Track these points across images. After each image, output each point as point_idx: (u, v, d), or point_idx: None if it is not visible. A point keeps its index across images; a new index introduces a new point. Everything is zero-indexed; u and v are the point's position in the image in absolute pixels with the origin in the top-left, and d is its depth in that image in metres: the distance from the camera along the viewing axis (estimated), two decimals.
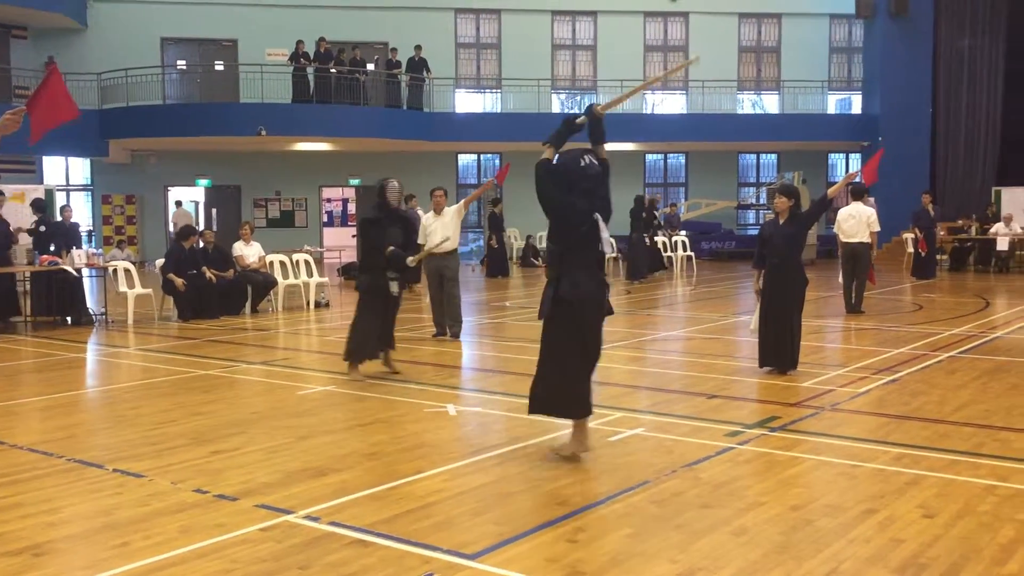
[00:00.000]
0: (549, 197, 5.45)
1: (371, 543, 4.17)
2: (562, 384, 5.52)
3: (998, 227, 21.25)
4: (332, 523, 4.43)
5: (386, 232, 8.23)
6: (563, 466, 5.47)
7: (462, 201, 11.36)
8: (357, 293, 8.55)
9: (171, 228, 25.07)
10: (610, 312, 5.64)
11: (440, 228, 10.76)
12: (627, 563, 3.92)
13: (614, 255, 22.84)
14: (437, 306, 10.99)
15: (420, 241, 11.09)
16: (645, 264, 19.90)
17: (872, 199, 13.92)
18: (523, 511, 4.62)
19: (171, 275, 13.01)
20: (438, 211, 10.96)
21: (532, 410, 5.73)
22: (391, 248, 8.16)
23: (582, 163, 5.49)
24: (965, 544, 4.10)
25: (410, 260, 8.37)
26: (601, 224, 5.40)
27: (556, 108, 28.31)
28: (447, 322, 10.92)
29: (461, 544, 4.14)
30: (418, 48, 25.38)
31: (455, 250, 10.96)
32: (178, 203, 25.87)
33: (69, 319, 12.84)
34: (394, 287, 8.31)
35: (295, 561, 3.96)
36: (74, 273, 12.65)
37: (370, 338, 8.27)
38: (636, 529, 4.34)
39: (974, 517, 4.45)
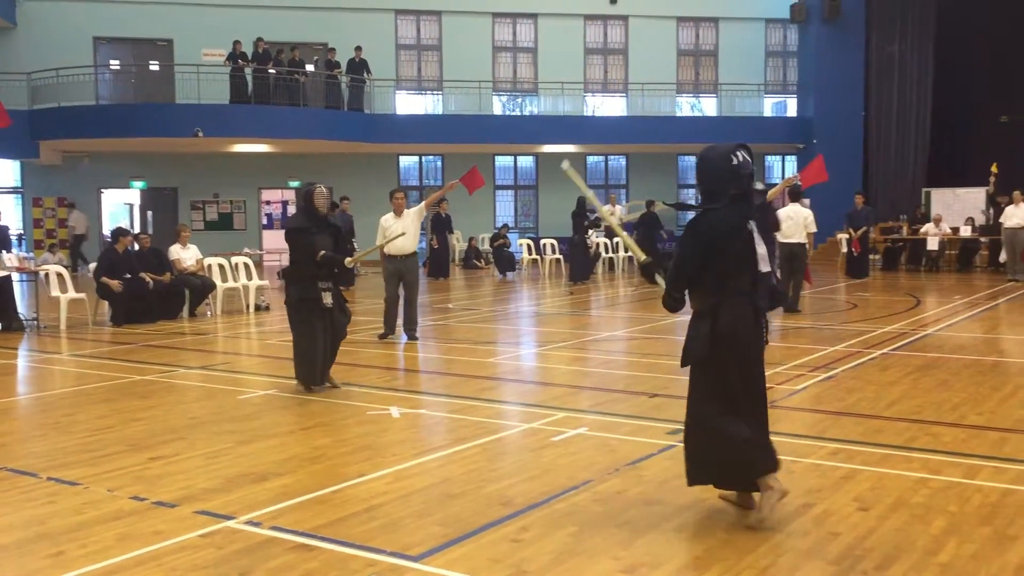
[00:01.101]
0: None
1: (314, 547, 4.13)
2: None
3: (928, 227, 21.84)
4: (274, 528, 4.38)
5: (315, 240, 7.74)
6: (506, 466, 5.48)
7: (422, 203, 11.29)
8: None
9: (69, 232, 24.49)
10: None
11: (400, 230, 10.71)
12: (570, 561, 3.95)
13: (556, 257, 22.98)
14: (391, 307, 10.92)
15: (378, 243, 11.03)
16: (588, 266, 20.03)
17: (807, 200, 14.21)
18: (467, 512, 4.62)
19: (105, 278, 12.73)
20: (398, 213, 10.90)
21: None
22: (323, 252, 7.74)
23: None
24: (899, 535, 4.21)
25: (347, 261, 8.13)
26: None
27: (497, 110, 28.38)
28: (406, 324, 10.89)
29: (406, 546, 4.13)
30: (358, 49, 25.21)
31: (415, 252, 10.91)
32: (71, 205, 25.17)
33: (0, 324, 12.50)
34: (327, 298, 7.79)
35: (236, 567, 3.91)
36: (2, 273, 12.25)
37: (316, 358, 7.77)
38: (579, 527, 4.36)
39: (907, 509, 4.57)
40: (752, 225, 4.49)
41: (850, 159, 26.31)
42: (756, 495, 4.43)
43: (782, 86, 29.77)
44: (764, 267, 4.50)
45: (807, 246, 13.23)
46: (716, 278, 4.41)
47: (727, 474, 4.49)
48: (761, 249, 4.48)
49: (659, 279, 4.66)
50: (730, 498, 4.58)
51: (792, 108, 29.49)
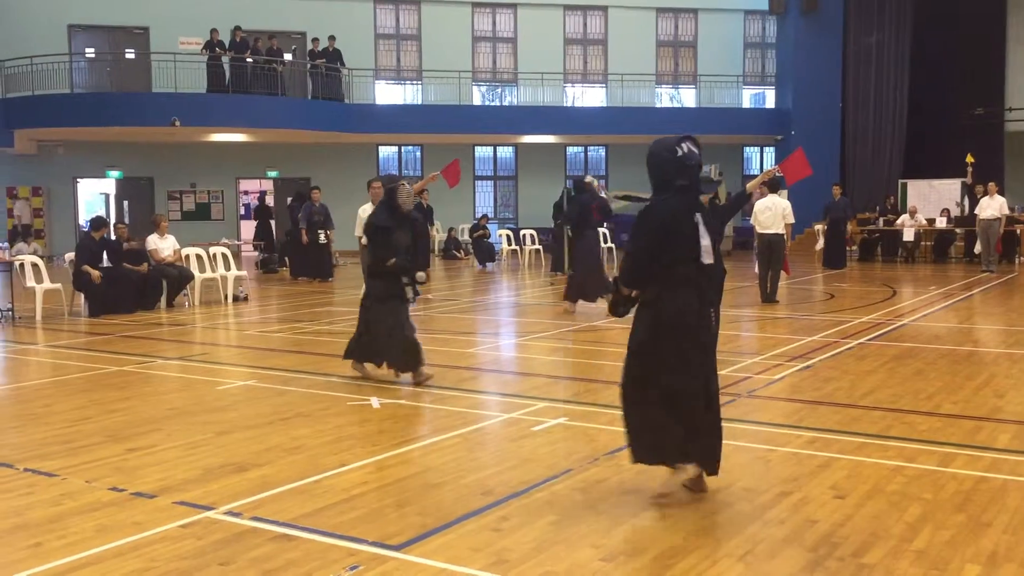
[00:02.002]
0: None
1: (295, 537, 4.13)
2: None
3: (904, 219, 22.03)
4: (254, 518, 4.38)
5: (394, 237, 7.66)
6: (487, 456, 5.50)
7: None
8: (365, 296, 7.95)
9: (17, 222, 24.20)
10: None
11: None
12: (551, 550, 3.97)
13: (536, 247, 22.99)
14: None
15: (357, 234, 10.99)
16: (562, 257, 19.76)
17: (785, 191, 14.32)
18: (447, 501, 4.63)
19: (86, 267, 12.62)
20: (375, 202, 10.77)
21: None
22: (393, 260, 7.58)
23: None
24: (875, 523, 4.26)
25: (420, 275, 7.87)
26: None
27: (477, 100, 28.34)
28: None
29: (386, 536, 4.13)
30: (332, 39, 25.06)
31: None
32: (13, 195, 24.92)
33: None
34: (410, 292, 7.71)
35: (216, 557, 3.90)
36: None
37: (406, 345, 7.62)
38: (560, 516, 4.39)
39: (883, 497, 4.62)
40: (699, 216, 4.56)
41: (828, 150, 26.46)
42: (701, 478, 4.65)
43: (760, 77, 29.90)
44: (707, 259, 4.55)
45: (785, 237, 13.32)
46: (662, 268, 4.50)
47: (662, 452, 4.59)
48: (705, 241, 4.55)
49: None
50: (689, 485, 4.66)
51: (770, 100, 29.63)
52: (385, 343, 7.66)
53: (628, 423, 4.66)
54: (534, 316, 12.73)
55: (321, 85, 24.87)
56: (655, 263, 4.51)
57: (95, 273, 12.59)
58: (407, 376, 7.65)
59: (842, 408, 6.62)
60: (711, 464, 4.58)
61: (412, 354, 7.60)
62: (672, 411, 4.47)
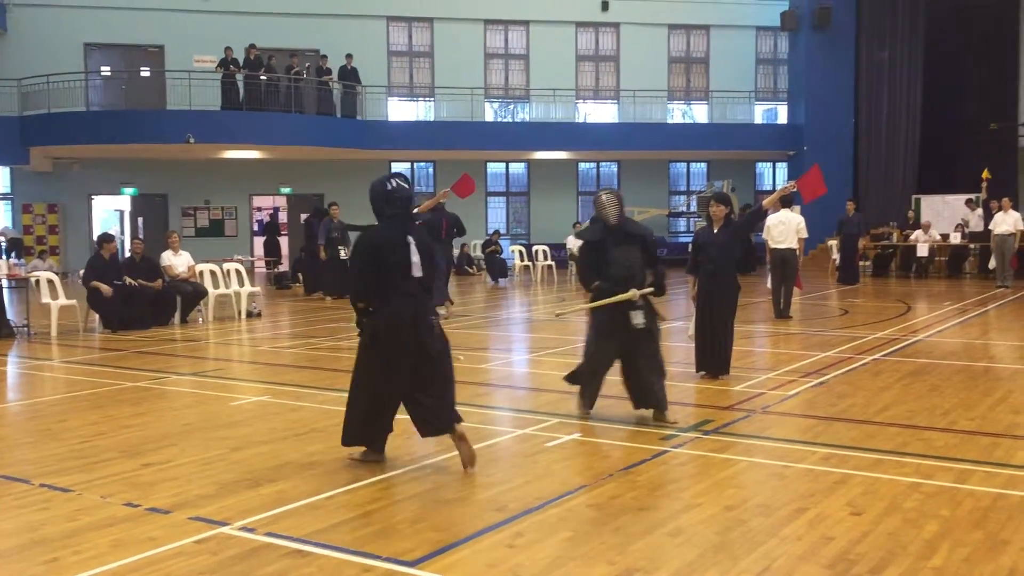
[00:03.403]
0: None
1: (309, 553, 4.13)
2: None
3: (918, 234, 21.95)
4: (269, 534, 4.38)
5: (611, 253, 6.66)
6: (500, 472, 5.49)
7: (415, 210, 11.09)
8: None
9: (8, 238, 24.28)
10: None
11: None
12: (566, 566, 3.95)
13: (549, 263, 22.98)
14: None
15: None
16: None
17: (798, 207, 14.29)
18: (461, 518, 4.62)
19: (96, 283, 12.69)
20: None
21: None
22: (597, 283, 6.69)
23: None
24: (892, 540, 4.23)
25: (633, 293, 6.53)
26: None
27: (489, 116, 28.44)
28: None
29: (400, 552, 4.13)
30: (349, 57, 25.23)
31: None
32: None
33: None
34: (637, 318, 6.50)
35: (231, 573, 3.90)
36: None
37: (599, 377, 6.87)
38: (574, 532, 4.37)
39: (900, 514, 4.59)
40: (410, 239, 5.46)
41: (840, 166, 26.43)
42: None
43: (772, 93, 29.92)
44: (416, 272, 5.44)
45: (798, 252, 13.29)
46: (379, 284, 5.39)
47: (364, 434, 5.60)
48: (415, 258, 5.44)
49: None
50: (358, 456, 5.65)
51: (782, 115, 29.63)
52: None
53: (347, 410, 5.62)
54: (547, 332, 12.72)
55: (335, 102, 25.00)
56: (372, 280, 5.42)
57: (105, 288, 12.64)
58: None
59: (858, 424, 6.58)
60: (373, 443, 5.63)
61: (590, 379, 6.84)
62: (373, 406, 5.48)
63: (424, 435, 5.60)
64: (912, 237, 22.05)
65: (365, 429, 5.57)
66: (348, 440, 5.61)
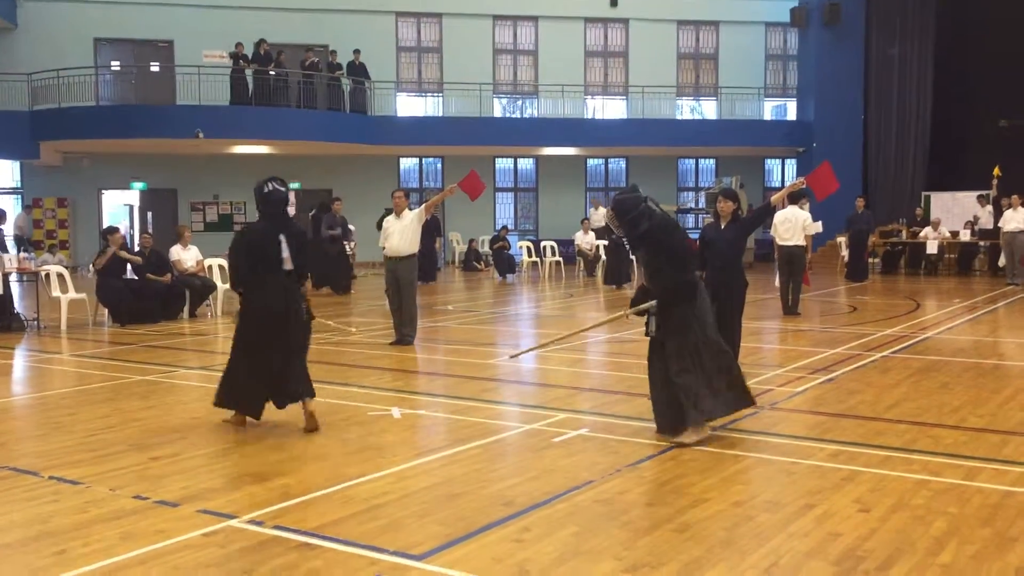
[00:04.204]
0: None
1: (317, 546, 4.14)
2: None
3: (927, 231, 21.87)
4: (276, 527, 4.39)
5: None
6: (508, 467, 5.50)
7: (423, 205, 11.11)
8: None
9: (21, 233, 24.20)
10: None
11: (399, 230, 10.59)
12: (572, 561, 3.95)
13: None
14: (395, 312, 10.74)
15: (380, 244, 10.96)
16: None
17: (807, 203, 14.23)
18: (469, 512, 4.63)
19: (122, 253, 13.02)
20: (398, 213, 10.76)
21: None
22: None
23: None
24: (900, 537, 4.22)
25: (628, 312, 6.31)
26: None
27: (498, 112, 28.40)
28: (402, 327, 10.70)
29: (408, 545, 4.13)
30: (356, 52, 25.22)
31: (412, 255, 10.67)
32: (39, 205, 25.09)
33: None
34: (650, 326, 6.07)
35: (239, 566, 3.92)
36: None
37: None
38: (581, 528, 4.37)
39: (908, 511, 4.58)
40: (282, 236, 6.37)
41: (850, 162, 26.31)
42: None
43: (782, 89, 29.81)
44: (287, 266, 6.37)
45: (806, 248, 13.25)
46: (254, 275, 6.39)
47: (232, 400, 6.51)
48: (285, 254, 6.35)
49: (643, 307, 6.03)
50: (230, 419, 6.55)
51: (792, 111, 29.53)
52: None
53: (222, 377, 6.61)
54: (554, 327, 12.72)
55: (343, 98, 25.01)
56: (246, 271, 6.43)
57: (134, 259, 13.08)
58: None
59: (866, 421, 6.57)
60: (255, 413, 6.49)
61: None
62: (243, 378, 6.40)
63: (279, 406, 6.51)
64: (922, 234, 21.97)
65: (233, 395, 6.50)
66: (219, 402, 6.56)
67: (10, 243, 19.63)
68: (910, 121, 27.45)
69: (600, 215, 24.52)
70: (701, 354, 5.92)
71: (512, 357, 9.35)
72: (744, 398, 6.16)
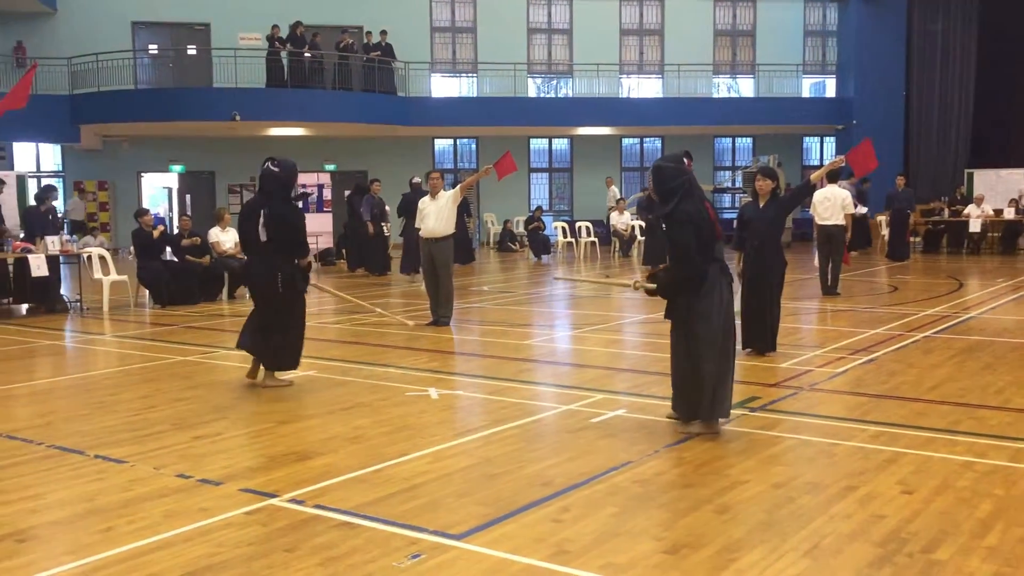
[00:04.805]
0: None
1: (357, 525, 4.17)
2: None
3: (970, 209, 21.49)
4: (317, 506, 4.43)
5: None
6: (546, 448, 5.50)
7: (459, 185, 11.10)
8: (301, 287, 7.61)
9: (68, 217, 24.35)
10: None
11: (435, 211, 10.59)
12: (612, 541, 3.95)
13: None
14: (432, 293, 10.75)
15: (417, 225, 10.99)
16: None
17: (844, 182, 14.00)
18: (508, 492, 4.63)
19: (158, 227, 13.33)
20: (434, 194, 10.77)
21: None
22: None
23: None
24: (945, 519, 4.16)
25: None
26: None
27: (532, 92, 28.28)
28: (438, 308, 10.72)
29: (447, 525, 4.15)
30: (383, 33, 25.18)
31: (449, 236, 10.67)
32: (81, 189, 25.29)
33: (24, 307, 12.68)
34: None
35: (281, 544, 3.96)
36: (34, 270, 12.20)
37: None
38: (620, 508, 4.37)
39: (953, 492, 4.52)
40: (262, 212, 7.18)
41: (891, 140, 25.89)
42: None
43: (821, 66, 29.36)
44: (262, 237, 7.20)
45: (845, 228, 13.07)
46: (245, 242, 7.49)
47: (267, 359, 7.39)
48: (259, 228, 7.19)
49: (649, 285, 6.06)
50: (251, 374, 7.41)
51: (831, 88, 29.09)
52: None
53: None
54: (590, 308, 12.69)
55: (376, 79, 25.03)
56: (242, 239, 7.60)
57: (190, 241, 13.42)
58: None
59: (908, 402, 6.48)
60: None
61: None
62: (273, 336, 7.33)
63: (269, 368, 7.34)
64: (964, 212, 21.58)
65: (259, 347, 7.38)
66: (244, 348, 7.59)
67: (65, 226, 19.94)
68: (953, 97, 26.93)
69: (613, 193, 24.42)
70: (725, 345, 5.71)
71: (556, 279, 9.30)
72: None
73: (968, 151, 26.82)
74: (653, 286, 5.98)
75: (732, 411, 5.95)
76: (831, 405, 6.55)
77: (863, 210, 20.84)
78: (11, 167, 24.02)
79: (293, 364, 7.51)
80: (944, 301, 12.29)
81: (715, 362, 5.62)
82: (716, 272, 5.64)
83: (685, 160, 5.80)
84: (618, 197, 24.03)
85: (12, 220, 14.08)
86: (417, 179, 17.96)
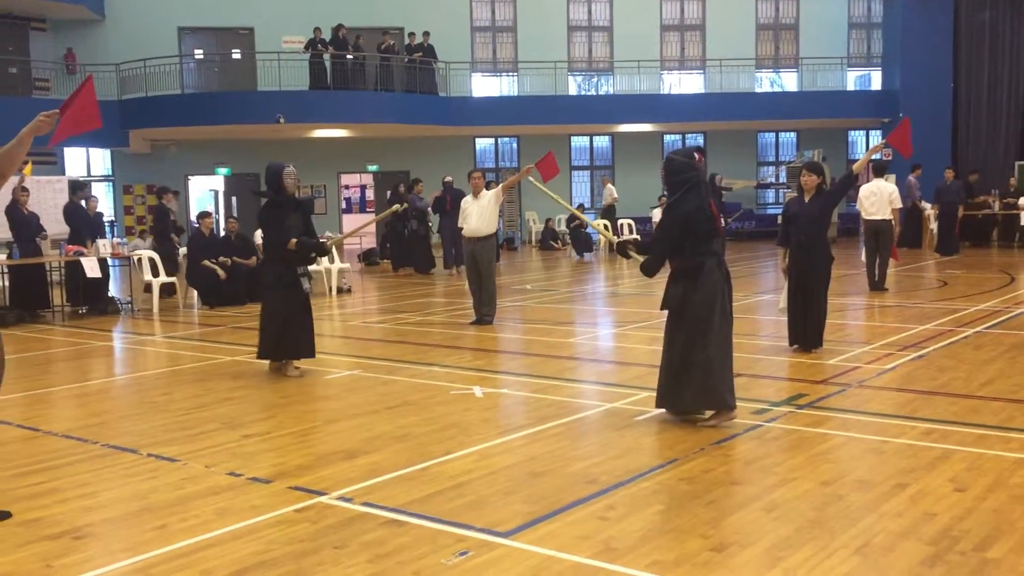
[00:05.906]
0: None
1: (405, 522, 4.21)
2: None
3: (1022, 201, 21.04)
4: (365, 503, 4.48)
5: (288, 219, 8.05)
6: (590, 446, 5.50)
7: (500, 185, 11.12)
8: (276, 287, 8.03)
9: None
10: None
11: (477, 211, 10.64)
12: (659, 539, 3.94)
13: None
14: (475, 292, 10.81)
15: (460, 224, 11.06)
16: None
17: (892, 176, 13.80)
18: (553, 490, 4.65)
19: (207, 262, 13.20)
20: (476, 194, 10.81)
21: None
22: (295, 240, 7.93)
23: None
24: (998, 517, 4.10)
25: (327, 241, 8.59)
26: None
27: (573, 90, 28.22)
28: (481, 306, 10.77)
29: (494, 523, 4.18)
30: (426, 35, 25.29)
31: (492, 235, 10.73)
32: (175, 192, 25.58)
33: (81, 309, 12.93)
34: (305, 283, 8.09)
35: (330, 541, 4.01)
36: (88, 271, 12.48)
37: (284, 338, 7.91)
38: (667, 506, 4.36)
39: (1006, 490, 4.44)
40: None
41: (938, 132, 25.44)
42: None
43: (866, 59, 28.94)
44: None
45: (893, 222, 12.89)
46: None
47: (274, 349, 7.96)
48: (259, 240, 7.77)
49: (632, 253, 6.39)
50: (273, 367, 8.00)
51: (876, 81, 28.65)
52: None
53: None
54: (633, 306, 12.65)
55: (417, 79, 25.16)
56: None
57: (220, 270, 13.26)
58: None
59: (959, 399, 6.38)
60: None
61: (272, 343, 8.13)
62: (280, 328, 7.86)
63: (271, 359, 8.02)
64: (1020, 203, 21.11)
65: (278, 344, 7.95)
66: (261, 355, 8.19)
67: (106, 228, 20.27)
68: (1002, 88, 26.36)
69: (609, 191, 24.24)
70: (720, 336, 5.75)
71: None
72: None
73: (1018, 143, 26.25)
74: (634, 254, 6.36)
75: (778, 408, 5.91)
76: (880, 402, 6.47)
77: (926, 206, 20.52)
78: (62, 172, 24.51)
79: (295, 355, 7.97)
80: (995, 296, 12.06)
81: (706, 353, 5.68)
82: (713, 265, 5.77)
83: (696, 156, 5.92)
84: (615, 196, 23.99)
85: (61, 225, 14.33)
86: (449, 178, 18.14)
